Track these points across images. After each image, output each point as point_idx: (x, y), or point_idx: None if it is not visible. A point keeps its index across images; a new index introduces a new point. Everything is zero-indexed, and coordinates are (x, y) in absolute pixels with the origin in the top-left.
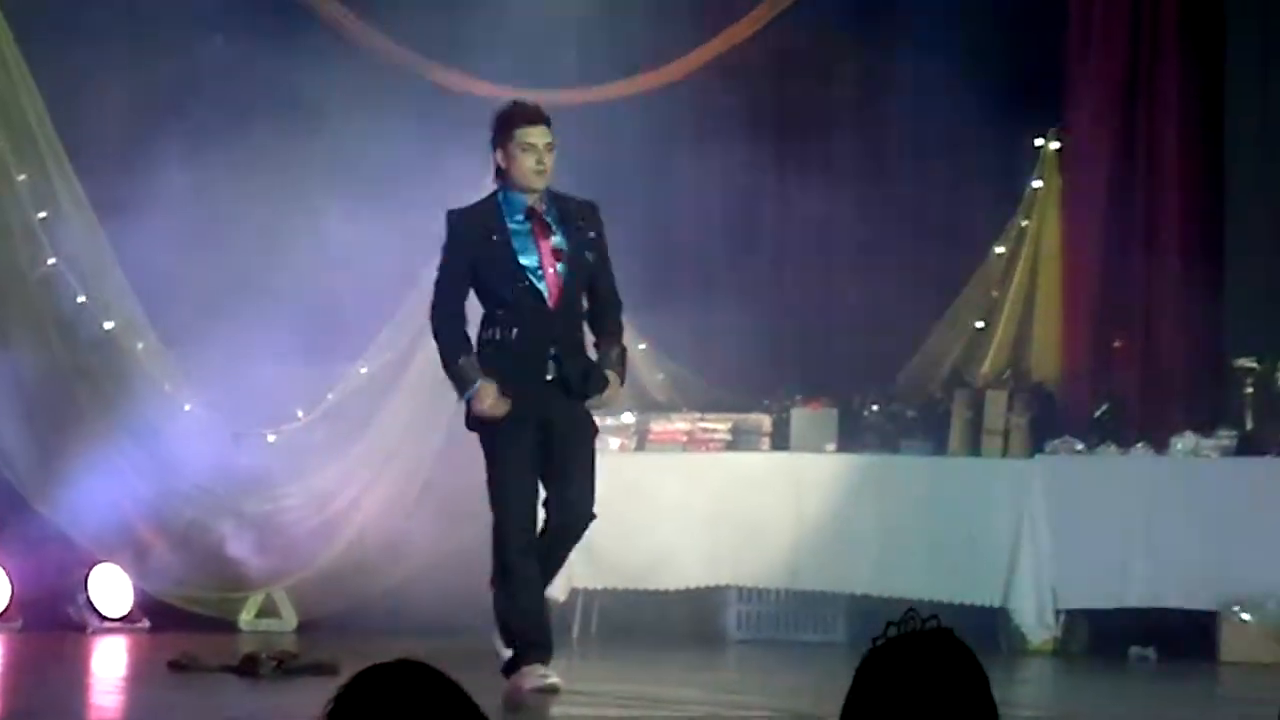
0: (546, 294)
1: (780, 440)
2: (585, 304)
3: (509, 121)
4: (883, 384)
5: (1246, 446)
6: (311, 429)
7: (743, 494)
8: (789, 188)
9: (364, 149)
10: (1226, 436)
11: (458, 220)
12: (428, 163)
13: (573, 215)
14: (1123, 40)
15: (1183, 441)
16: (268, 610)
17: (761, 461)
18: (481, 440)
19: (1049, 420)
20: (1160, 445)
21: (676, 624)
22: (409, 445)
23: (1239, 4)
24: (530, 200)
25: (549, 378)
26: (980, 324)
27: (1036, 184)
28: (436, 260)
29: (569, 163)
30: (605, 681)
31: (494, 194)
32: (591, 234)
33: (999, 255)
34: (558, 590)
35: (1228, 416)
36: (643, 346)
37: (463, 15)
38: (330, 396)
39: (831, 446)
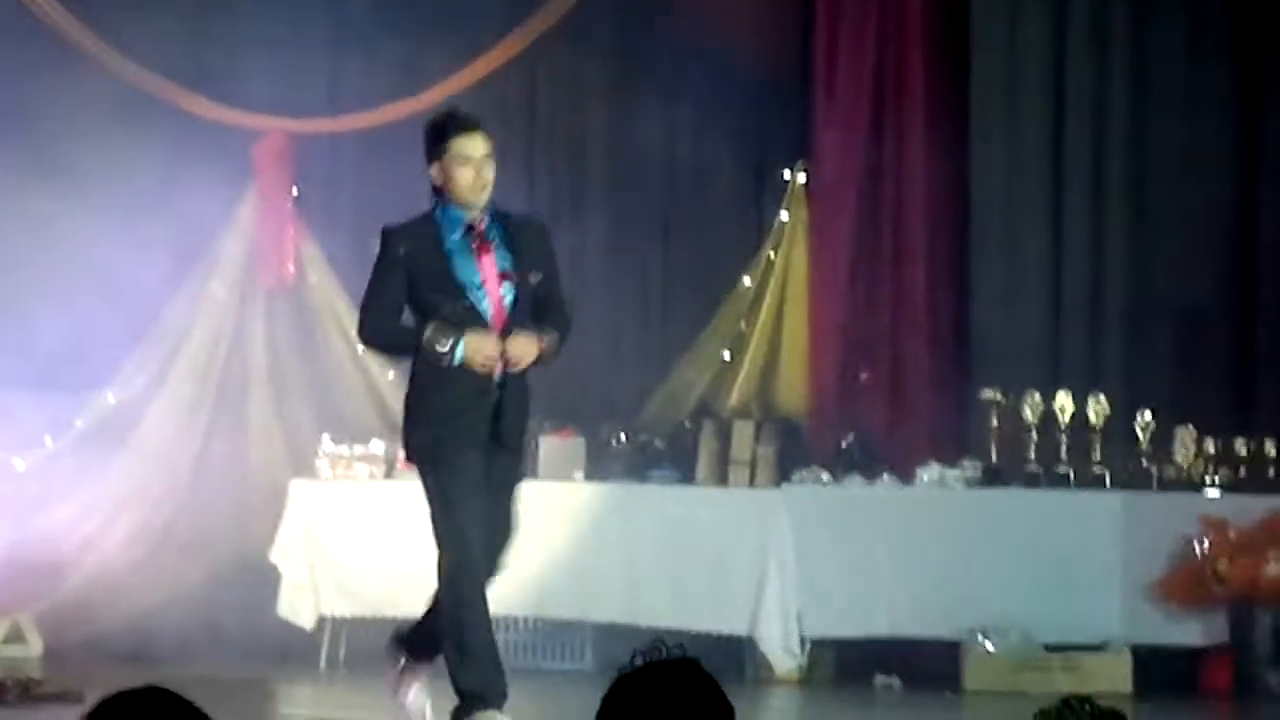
0: (489, 314)
1: (528, 469)
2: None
3: (442, 132)
4: (631, 414)
5: (991, 478)
6: (60, 456)
7: None
8: None
9: (111, 173)
10: (971, 468)
11: (392, 235)
12: (176, 189)
13: (518, 234)
14: (868, 75)
15: (928, 473)
16: (13, 636)
17: None
18: (423, 469)
19: (796, 451)
20: (906, 476)
21: None
22: (156, 474)
23: (983, 38)
24: (469, 217)
25: (493, 399)
26: (728, 355)
27: (784, 216)
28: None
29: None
30: (352, 709)
31: (430, 211)
32: (538, 255)
33: (747, 287)
34: (306, 618)
35: (972, 448)
36: (391, 376)
37: (212, 41)
38: (79, 424)
39: (579, 475)
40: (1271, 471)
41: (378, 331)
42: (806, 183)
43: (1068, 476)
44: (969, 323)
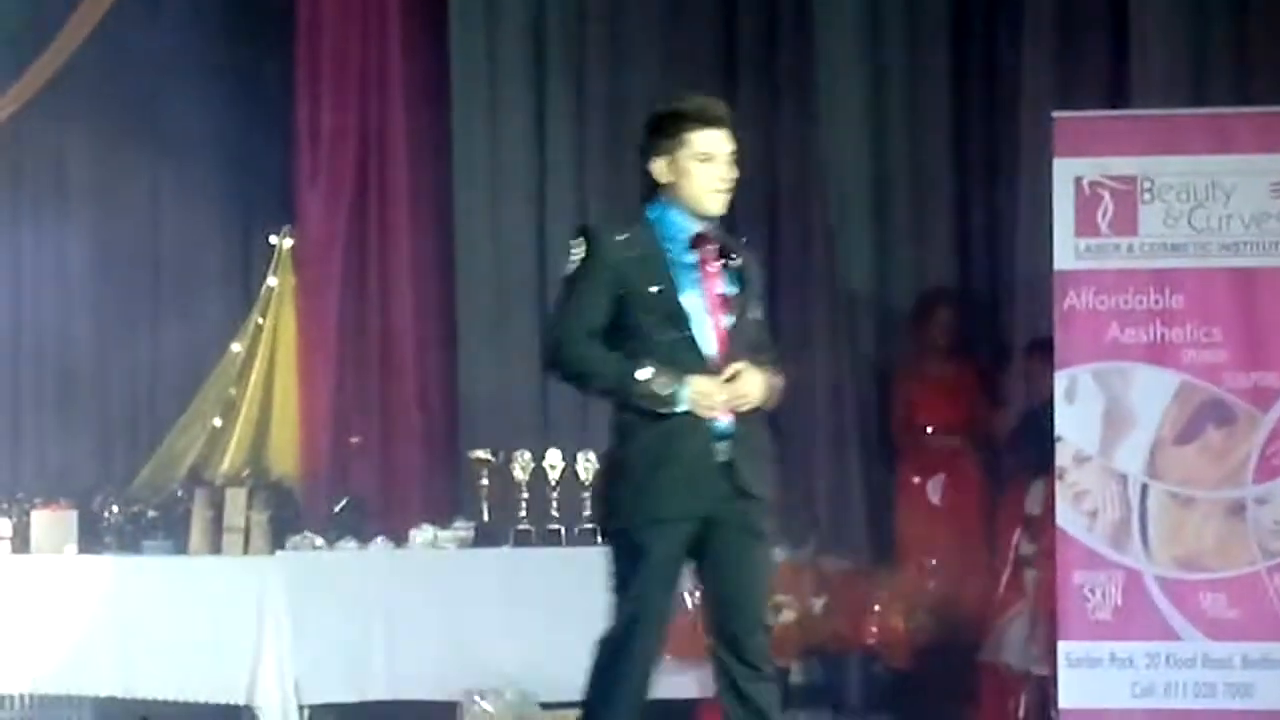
0: (710, 348)
1: (21, 544)
2: None
3: (678, 123)
4: (123, 484)
5: (483, 538)
6: None
7: None
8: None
9: None
10: (463, 528)
11: (602, 238)
12: None
13: (739, 255)
14: (354, 139)
15: (421, 534)
16: None
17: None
18: (618, 543)
19: (290, 517)
20: (399, 538)
21: None
22: None
23: (464, 101)
24: (700, 228)
25: (719, 460)
26: (219, 421)
27: (272, 282)
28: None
29: None
30: None
31: (644, 214)
32: (759, 286)
33: (236, 353)
34: None
35: (465, 508)
36: None
37: None
38: None
39: (71, 549)
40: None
41: (574, 359)
42: (294, 247)
43: (559, 533)
44: (458, 383)
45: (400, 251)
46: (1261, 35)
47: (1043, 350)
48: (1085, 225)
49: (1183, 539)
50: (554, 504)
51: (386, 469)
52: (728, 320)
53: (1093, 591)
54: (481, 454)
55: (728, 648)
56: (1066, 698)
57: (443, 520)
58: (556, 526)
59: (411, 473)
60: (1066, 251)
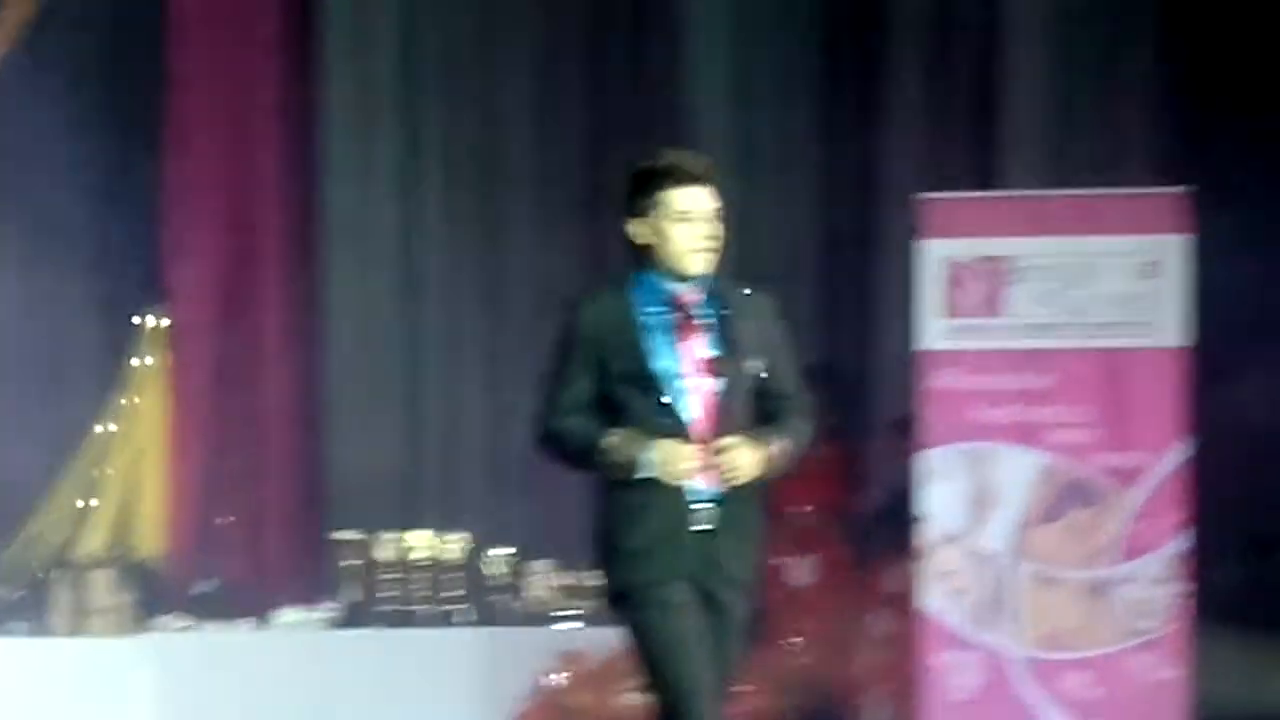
0: (689, 415)
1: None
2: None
3: (653, 182)
4: None
5: (350, 619)
6: None
7: None
8: None
9: None
10: (330, 609)
11: (581, 308)
12: None
13: (737, 310)
14: (224, 218)
15: (288, 615)
16: None
17: None
18: (624, 612)
19: (155, 598)
20: (265, 620)
21: None
22: None
23: (336, 177)
24: (681, 289)
25: (697, 527)
26: (83, 502)
27: (139, 362)
28: None
29: None
30: None
31: (625, 278)
32: (762, 336)
33: (103, 434)
34: None
35: (331, 589)
36: None
37: None
38: None
39: None
40: None
41: (551, 434)
42: (164, 326)
43: (426, 615)
44: (326, 464)
45: (270, 334)
46: (1128, 118)
47: (907, 430)
48: (952, 305)
49: (1048, 618)
50: (421, 586)
51: (254, 549)
52: (715, 384)
53: (954, 672)
54: (348, 535)
55: None
56: None
57: (309, 601)
58: (423, 608)
59: (279, 553)
60: (932, 331)
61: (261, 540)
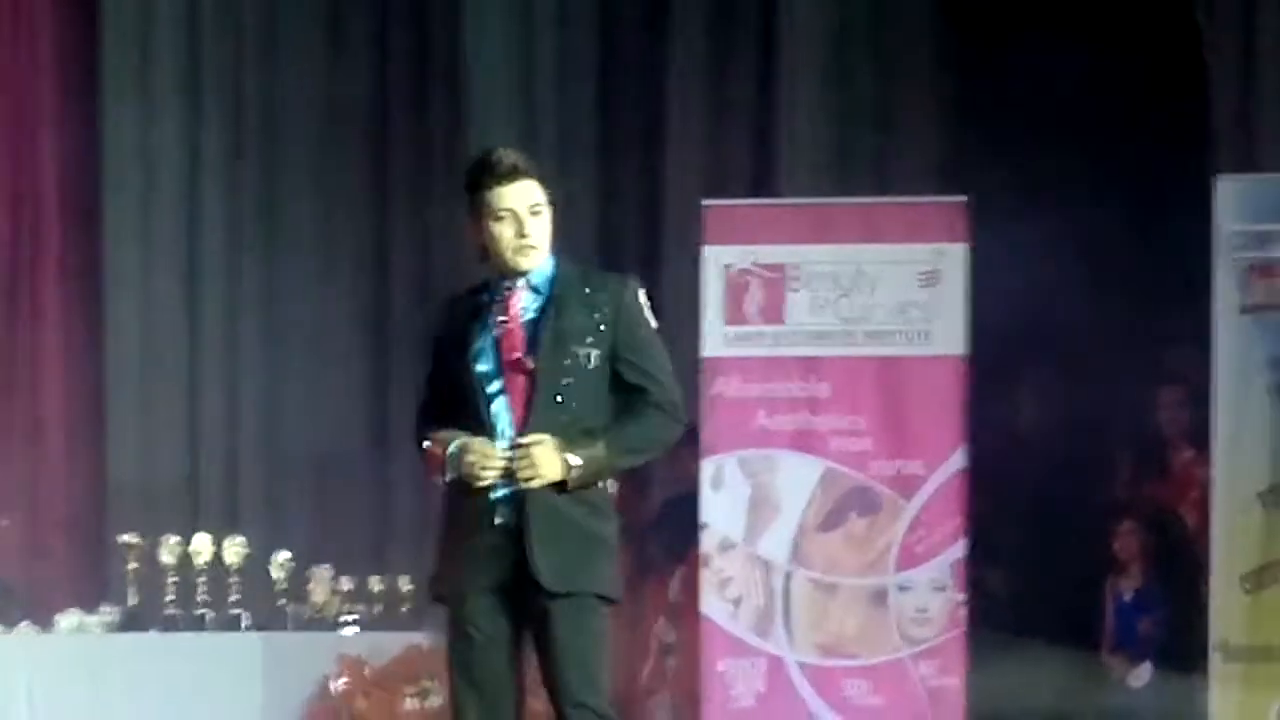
0: (501, 415)
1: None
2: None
3: (472, 181)
4: None
5: (130, 622)
6: None
7: None
8: None
9: None
10: (110, 613)
11: (440, 309)
12: None
13: (570, 302)
14: (4, 220)
15: (67, 619)
16: None
17: None
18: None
19: None
20: (45, 623)
21: None
22: None
23: (115, 178)
24: (516, 285)
25: (499, 524)
26: None
27: None
28: None
29: None
30: None
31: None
32: (598, 326)
33: None
34: None
35: (112, 593)
36: None
37: None
38: None
39: None
40: (406, 608)
41: (416, 438)
42: None
43: (205, 618)
44: (107, 467)
45: (50, 333)
46: (908, 126)
47: (688, 437)
48: (733, 312)
49: (826, 626)
50: (201, 590)
51: (33, 552)
52: (525, 382)
53: (735, 679)
54: (129, 538)
55: None
56: None
57: (90, 604)
58: (204, 612)
59: (59, 556)
60: (715, 338)
61: (41, 542)
